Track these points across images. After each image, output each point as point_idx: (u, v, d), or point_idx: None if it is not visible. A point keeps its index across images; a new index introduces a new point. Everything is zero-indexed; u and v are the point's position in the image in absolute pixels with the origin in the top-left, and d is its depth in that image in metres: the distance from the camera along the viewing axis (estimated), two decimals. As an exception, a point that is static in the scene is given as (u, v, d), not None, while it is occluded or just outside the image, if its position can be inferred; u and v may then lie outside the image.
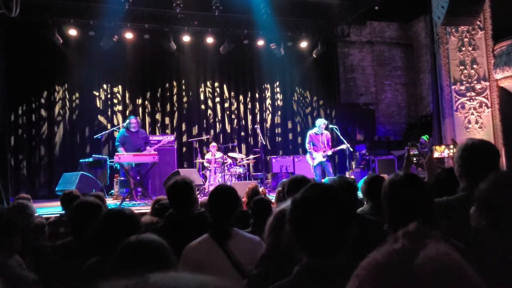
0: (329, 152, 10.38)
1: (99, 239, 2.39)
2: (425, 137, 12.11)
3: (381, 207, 2.16)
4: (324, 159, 10.34)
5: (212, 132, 13.40)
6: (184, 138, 13.20)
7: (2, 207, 2.28)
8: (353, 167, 13.01)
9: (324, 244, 1.52)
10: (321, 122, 10.65)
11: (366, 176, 4.09)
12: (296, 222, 1.57)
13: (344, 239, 1.54)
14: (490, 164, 2.49)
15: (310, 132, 10.69)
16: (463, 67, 9.87)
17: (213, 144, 11.59)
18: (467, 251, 1.97)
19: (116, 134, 10.54)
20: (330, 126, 11.32)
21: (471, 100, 9.81)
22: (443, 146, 11.29)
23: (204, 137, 12.07)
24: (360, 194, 4.05)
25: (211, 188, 6.42)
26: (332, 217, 1.52)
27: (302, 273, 1.53)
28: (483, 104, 9.79)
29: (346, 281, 1.51)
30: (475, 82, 9.83)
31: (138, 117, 11.26)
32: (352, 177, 11.65)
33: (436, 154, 11.14)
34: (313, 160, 10.37)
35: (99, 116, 12.65)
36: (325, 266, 1.51)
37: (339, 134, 10.69)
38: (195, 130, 13.36)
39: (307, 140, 10.63)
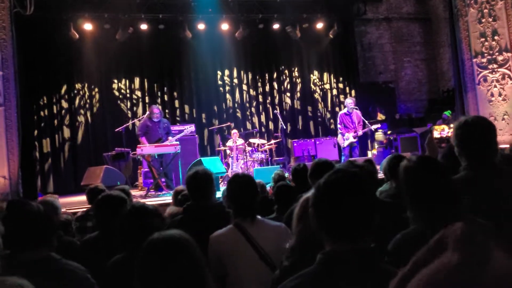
0: (360, 133, 10.34)
1: (123, 235, 2.41)
2: (447, 113, 11.90)
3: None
4: (355, 140, 10.33)
5: (232, 118, 13.37)
6: (205, 126, 13.22)
7: (37, 204, 2.27)
8: (375, 146, 12.90)
9: (351, 229, 1.51)
10: (348, 101, 10.71)
11: (388, 156, 4.08)
12: (321, 207, 1.55)
13: (369, 223, 1.53)
14: (485, 140, 2.40)
15: (341, 112, 10.77)
16: (483, 39, 9.63)
17: (234, 131, 11.59)
18: (495, 230, 1.94)
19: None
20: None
21: (494, 73, 9.58)
22: (442, 125, 11.13)
23: (225, 125, 12.06)
24: (381, 174, 4.04)
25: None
26: (358, 201, 1.51)
27: (327, 260, 1.52)
28: (506, 76, 9.55)
29: (373, 265, 1.50)
30: (496, 53, 9.59)
31: (159, 107, 11.27)
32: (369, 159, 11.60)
33: (435, 134, 10.97)
34: (344, 141, 10.36)
35: (119, 108, 12.77)
36: (352, 251, 1.49)
37: (361, 116, 10.61)
38: (215, 118, 13.38)
39: (338, 121, 10.70)
